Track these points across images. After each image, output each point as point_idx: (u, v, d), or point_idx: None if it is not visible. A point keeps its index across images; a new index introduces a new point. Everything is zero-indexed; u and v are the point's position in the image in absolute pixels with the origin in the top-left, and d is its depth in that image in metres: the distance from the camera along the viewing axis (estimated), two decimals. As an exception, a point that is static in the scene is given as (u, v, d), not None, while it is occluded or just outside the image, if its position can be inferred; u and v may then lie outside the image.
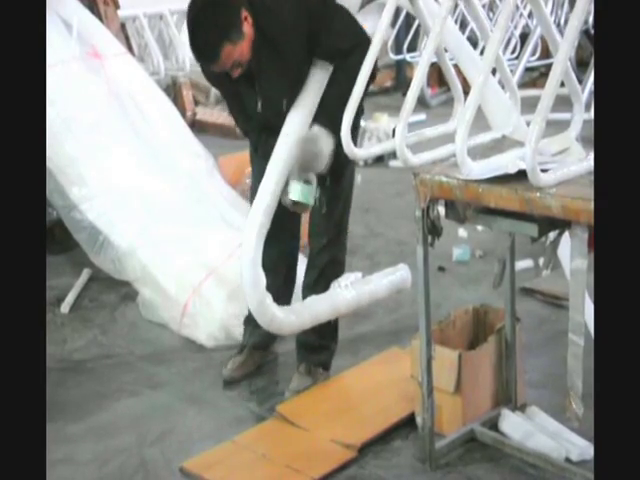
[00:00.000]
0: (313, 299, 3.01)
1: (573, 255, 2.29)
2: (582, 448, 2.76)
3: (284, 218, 3.05)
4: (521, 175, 2.31)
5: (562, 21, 7.35)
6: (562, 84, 2.26)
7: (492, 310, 3.10)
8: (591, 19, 6.63)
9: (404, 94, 2.77)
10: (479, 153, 2.58)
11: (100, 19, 5.28)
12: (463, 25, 7.05)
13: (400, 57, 8.16)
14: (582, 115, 2.64)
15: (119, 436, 3.12)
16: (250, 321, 3.28)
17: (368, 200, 5.52)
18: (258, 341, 3.44)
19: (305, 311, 2.96)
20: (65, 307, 4.19)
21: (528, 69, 7.36)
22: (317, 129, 2.90)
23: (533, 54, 6.70)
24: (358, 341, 3.68)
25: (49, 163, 4.23)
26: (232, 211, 4.51)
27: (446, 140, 2.65)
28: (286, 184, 2.93)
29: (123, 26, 6.32)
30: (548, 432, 2.85)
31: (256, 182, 3.08)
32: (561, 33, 2.50)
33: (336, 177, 3.07)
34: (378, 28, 2.64)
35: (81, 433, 3.16)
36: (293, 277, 3.44)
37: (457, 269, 4.43)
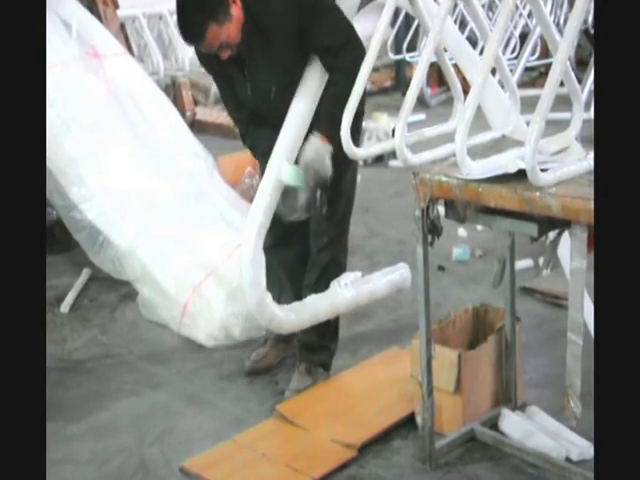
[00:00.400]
0: (313, 298, 3.01)
1: (572, 255, 2.29)
2: (582, 448, 2.76)
3: (296, 222, 3.08)
4: (521, 175, 2.31)
5: (561, 21, 7.35)
6: (562, 84, 2.26)
7: (492, 310, 3.11)
8: (590, 19, 6.64)
9: (404, 94, 2.78)
10: (479, 153, 2.58)
11: (99, 19, 5.28)
12: (462, 25, 7.05)
13: (399, 57, 8.16)
14: (582, 115, 2.64)
15: (119, 436, 3.13)
16: None
17: (368, 200, 5.52)
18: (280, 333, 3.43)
19: (305, 310, 2.96)
20: (65, 307, 4.19)
21: (528, 69, 7.37)
22: (313, 139, 2.89)
23: (533, 54, 6.69)
24: (358, 341, 3.69)
25: (49, 163, 4.23)
26: (232, 211, 4.52)
27: (446, 140, 2.65)
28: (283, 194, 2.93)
29: (122, 26, 6.32)
30: (548, 432, 2.85)
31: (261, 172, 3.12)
32: (560, 33, 2.50)
33: (337, 177, 3.08)
34: (377, 28, 2.64)
35: (81, 433, 3.16)
36: None
37: (457, 269, 4.43)
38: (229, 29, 2.84)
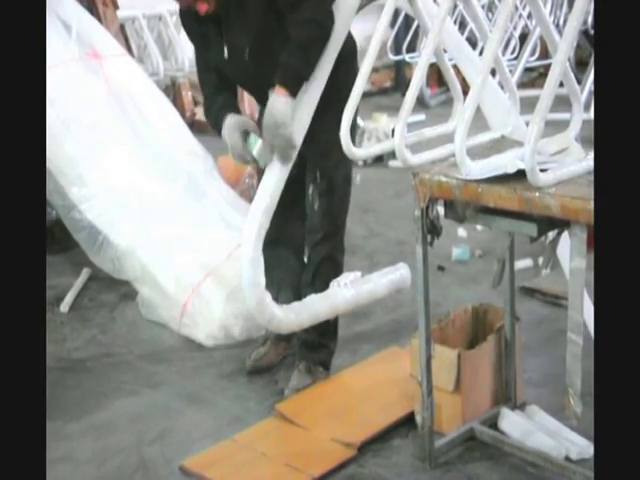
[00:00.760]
0: (312, 298, 3.01)
1: (572, 254, 2.29)
2: (582, 447, 2.77)
3: (294, 218, 3.07)
4: (520, 175, 2.31)
5: (561, 21, 7.35)
6: (561, 84, 2.26)
7: (492, 309, 3.11)
8: (590, 19, 6.65)
9: (403, 94, 2.78)
10: (478, 153, 2.59)
11: (99, 20, 5.28)
12: (462, 25, 7.05)
13: (399, 57, 8.15)
14: (581, 115, 2.64)
15: (118, 435, 3.13)
16: None
17: (367, 200, 5.53)
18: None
19: (304, 310, 2.97)
20: (65, 306, 4.19)
21: (527, 69, 7.37)
22: (273, 96, 2.85)
23: (532, 54, 6.69)
24: (357, 340, 3.69)
25: (49, 164, 4.23)
26: (231, 211, 4.52)
27: (445, 140, 2.66)
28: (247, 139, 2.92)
29: (122, 27, 6.32)
30: (548, 431, 2.85)
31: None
32: (560, 33, 2.50)
33: (327, 172, 3.09)
34: (377, 28, 2.64)
35: (80, 432, 3.17)
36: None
37: (457, 269, 4.44)
38: None
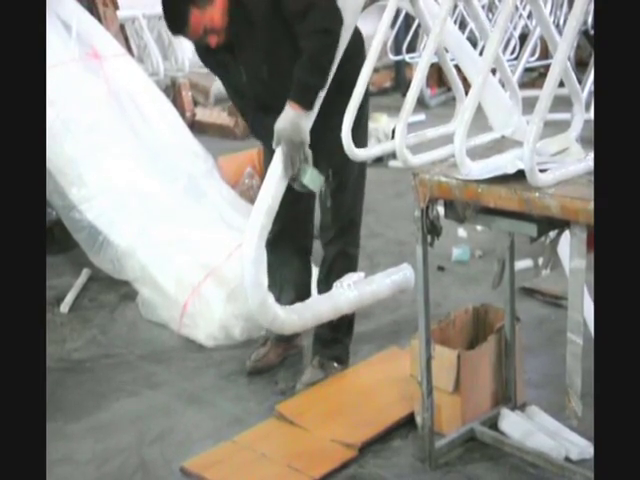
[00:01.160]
0: (315, 299, 3.02)
1: (572, 255, 2.29)
2: (582, 447, 2.77)
3: (297, 217, 3.06)
4: (520, 175, 2.31)
5: (561, 21, 7.36)
6: (562, 84, 2.26)
7: (492, 310, 3.11)
8: (590, 20, 6.64)
9: (403, 94, 2.78)
10: (478, 153, 2.59)
11: (99, 20, 5.28)
12: (463, 25, 7.06)
13: (399, 58, 8.17)
14: (582, 115, 2.64)
15: (118, 435, 3.13)
16: None
17: (367, 200, 5.45)
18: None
19: (307, 311, 2.96)
20: (64, 307, 4.19)
21: (527, 69, 7.36)
22: (286, 108, 2.87)
23: (532, 54, 6.70)
24: (358, 340, 3.68)
25: (48, 164, 4.24)
26: (231, 211, 4.52)
27: (446, 141, 2.65)
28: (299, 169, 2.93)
29: (122, 27, 6.32)
30: (548, 431, 2.85)
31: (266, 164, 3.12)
32: (560, 33, 2.49)
33: (339, 170, 3.09)
34: (378, 29, 2.64)
35: (80, 432, 3.16)
36: (309, 269, 3.47)
37: (457, 269, 4.44)
38: (212, 14, 2.86)
